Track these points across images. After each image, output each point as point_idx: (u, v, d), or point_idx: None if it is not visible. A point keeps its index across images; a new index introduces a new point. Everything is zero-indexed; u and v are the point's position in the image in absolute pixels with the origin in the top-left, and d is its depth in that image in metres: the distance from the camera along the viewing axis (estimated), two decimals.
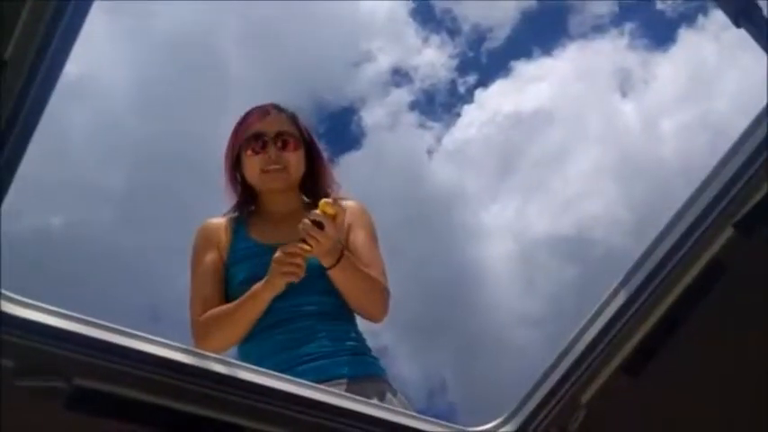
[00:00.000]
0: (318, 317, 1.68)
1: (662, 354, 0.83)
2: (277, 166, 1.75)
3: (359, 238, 1.78)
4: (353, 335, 1.72)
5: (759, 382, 0.85)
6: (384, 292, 1.69)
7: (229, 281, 1.76)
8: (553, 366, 0.81)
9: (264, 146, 1.76)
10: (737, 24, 0.76)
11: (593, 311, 0.79)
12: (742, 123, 0.78)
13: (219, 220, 1.85)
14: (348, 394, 0.88)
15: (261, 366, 1.64)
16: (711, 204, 0.76)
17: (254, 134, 1.78)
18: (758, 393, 0.85)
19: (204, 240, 1.81)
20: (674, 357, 0.83)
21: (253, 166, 1.77)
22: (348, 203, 1.81)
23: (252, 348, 1.69)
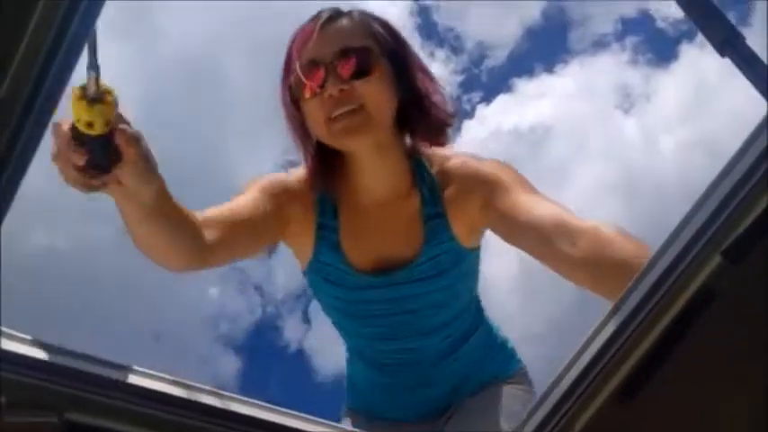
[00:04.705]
0: (429, 359, 1.34)
1: (654, 381, 0.83)
2: (347, 107, 1.13)
3: (512, 198, 1.14)
4: (470, 349, 1.35)
5: (751, 407, 0.85)
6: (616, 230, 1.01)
7: (314, 287, 1.34)
8: (544, 396, 0.81)
9: (324, 78, 1.14)
10: (722, 54, 0.77)
11: (583, 341, 0.79)
12: (741, 140, 0.78)
13: (304, 189, 1.26)
14: (335, 425, 0.87)
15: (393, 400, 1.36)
16: (699, 232, 0.76)
17: (306, 63, 1.15)
18: (750, 419, 0.85)
19: (269, 190, 1.25)
20: (667, 384, 0.83)
21: (315, 114, 1.16)
22: (483, 169, 1.20)
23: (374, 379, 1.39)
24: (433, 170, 1.25)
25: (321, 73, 1.14)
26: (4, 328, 0.73)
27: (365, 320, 1.32)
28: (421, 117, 1.21)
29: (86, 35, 0.54)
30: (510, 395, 1.35)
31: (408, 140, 1.28)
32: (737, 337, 0.82)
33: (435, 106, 1.22)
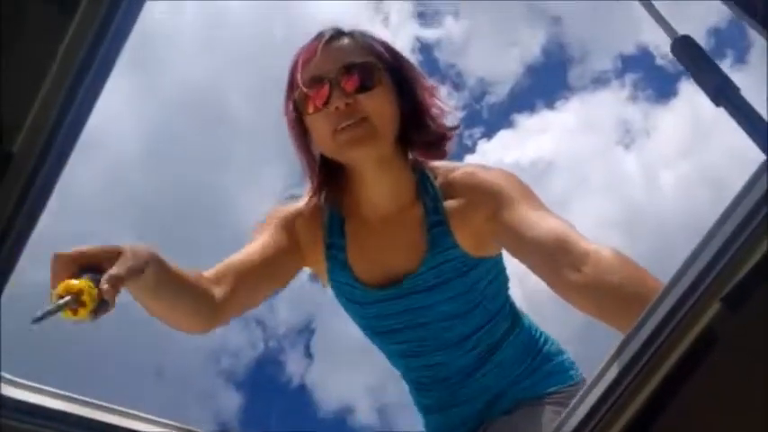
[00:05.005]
0: (457, 375, 1.30)
1: (657, 426, 0.83)
2: (352, 120, 1.15)
3: (517, 214, 1.13)
4: (501, 362, 1.29)
5: None
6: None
7: (344, 309, 1.35)
8: None
9: (328, 93, 1.16)
10: (716, 103, 0.78)
11: (584, 387, 0.79)
12: (741, 176, 0.79)
13: (312, 213, 1.28)
14: None
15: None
16: (698, 280, 0.77)
17: (310, 79, 1.18)
18: None
19: (278, 223, 1.28)
20: (670, 428, 0.83)
21: (320, 128, 1.18)
22: (489, 181, 1.19)
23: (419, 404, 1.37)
24: (438, 181, 1.26)
25: (326, 88, 1.16)
26: (4, 374, 0.74)
27: (387, 337, 1.31)
28: (419, 131, 1.22)
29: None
30: (549, 415, 1.24)
31: (411, 154, 1.30)
32: (739, 381, 0.82)
33: (433, 120, 1.24)
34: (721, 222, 0.77)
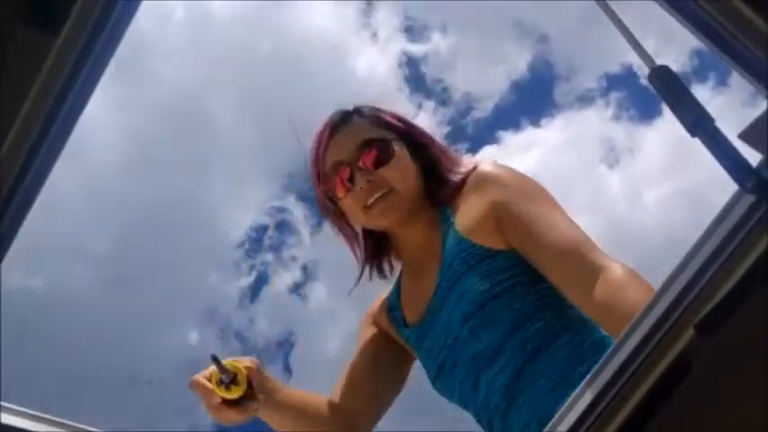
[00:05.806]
0: (503, 400, 1.20)
1: None
2: (378, 193, 1.28)
3: (529, 212, 1.16)
4: (539, 378, 1.16)
5: None
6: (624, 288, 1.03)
7: None
8: None
9: (351, 175, 1.29)
10: (692, 134, 0.80)
11: (554, 419, 0.80)
12: (722, 197, 0.79)
13: (381, 300, 1.45)
14: None
15: None
16: (672, 306, 0.78)
17: (331, 168, 1.31)
18: None
19: (368, 325, 1.44)
20: None
21: (351, 207, 1.32)
22: (492, 184, 1.22)
23: None
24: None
25: (347, 171, 1.28)
26: (4, 403, 0.73)
27: (442, 380, 1.29)
28: (440, 184, 1.32)
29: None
30: None
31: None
32: (714, 408, 0.83)
33: (450, 173, 1.33)
34: (695, 250, 0.78)
